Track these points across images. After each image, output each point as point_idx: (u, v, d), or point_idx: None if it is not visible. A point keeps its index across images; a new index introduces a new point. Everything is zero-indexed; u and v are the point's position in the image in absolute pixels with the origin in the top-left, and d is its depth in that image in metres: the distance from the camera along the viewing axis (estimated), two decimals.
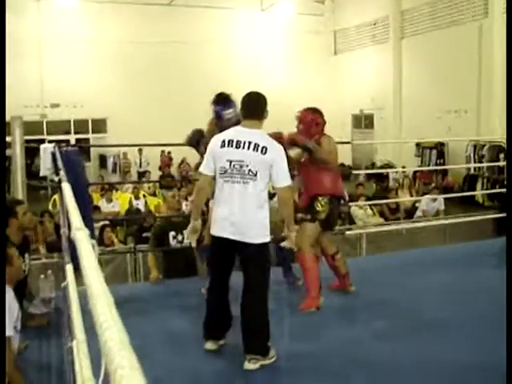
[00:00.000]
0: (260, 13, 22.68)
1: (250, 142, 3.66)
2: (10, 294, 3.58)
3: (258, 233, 3.68)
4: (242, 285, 3.76)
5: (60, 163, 4.44)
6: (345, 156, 21.96)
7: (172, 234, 5.95)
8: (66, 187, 2.72)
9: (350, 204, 10.85)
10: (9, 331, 3.47)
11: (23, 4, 19.03)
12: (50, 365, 4.01)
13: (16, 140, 5.83)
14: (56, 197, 12.20)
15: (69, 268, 2.83)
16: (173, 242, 5.97)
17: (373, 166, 20.75)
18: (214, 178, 3.82)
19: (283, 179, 3.72)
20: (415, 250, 7.61)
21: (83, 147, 16.73)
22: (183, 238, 5.91)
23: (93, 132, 21.08)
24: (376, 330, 4.32)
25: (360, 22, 22.28)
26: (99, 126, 21.12)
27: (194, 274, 5.83)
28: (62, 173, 3.58)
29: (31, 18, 19.40)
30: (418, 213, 11.40)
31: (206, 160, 3.82)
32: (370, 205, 10.98)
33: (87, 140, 20.66)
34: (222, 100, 4.54)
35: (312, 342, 4.07)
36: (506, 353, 2.83)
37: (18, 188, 5.80)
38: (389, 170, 17.71)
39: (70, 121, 20.73)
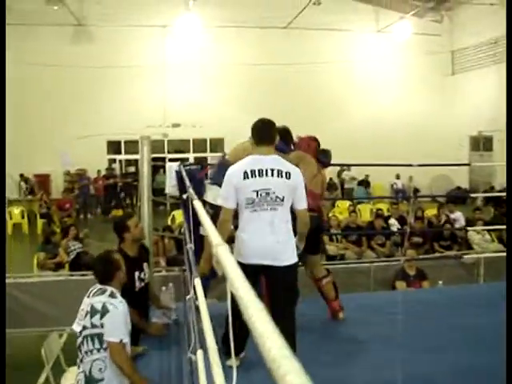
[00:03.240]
0: (376, 34, 22.57)
1: (272, 170, 3.70)
2: (125, 306, 3.81)
3: (290, 255, 3.76)
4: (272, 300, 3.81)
5: (187, 181, 4.64)
6: (462, 179, 21.26)
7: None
8: (198, 205, 2.86)
9: (468, 229, 10.53)
10: (126, 338, 3.73)
11: (150, 32, 20.14)
12: (169, 373, 4.21)
13: (144, 158, 6.11)
14: (175, 213, 12.75)
15: (197, 282, 2.99)
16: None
17: (492, 189, 19.86)
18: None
19: (303, 201, 3.84)
20: None
21: (205, 166, 17.22)
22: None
23: (210, 151, 21.74)
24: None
25: (479, 40, 21.54)
26: (216, 145, 21.71)
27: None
28: (190, 190, 3.74)
29: (157, 44, 20.50)
30: None
31: (227, 193, 3.76)
32: (488, 230, 10.58)
33: (205, 159, 21.31)
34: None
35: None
36: None
37: (145, 204, 6.08)
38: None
39: (189, 140, 21.55)
